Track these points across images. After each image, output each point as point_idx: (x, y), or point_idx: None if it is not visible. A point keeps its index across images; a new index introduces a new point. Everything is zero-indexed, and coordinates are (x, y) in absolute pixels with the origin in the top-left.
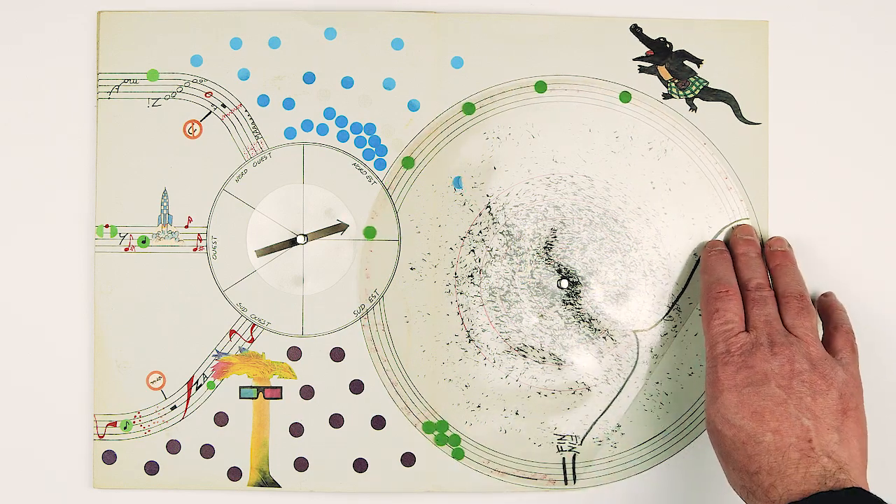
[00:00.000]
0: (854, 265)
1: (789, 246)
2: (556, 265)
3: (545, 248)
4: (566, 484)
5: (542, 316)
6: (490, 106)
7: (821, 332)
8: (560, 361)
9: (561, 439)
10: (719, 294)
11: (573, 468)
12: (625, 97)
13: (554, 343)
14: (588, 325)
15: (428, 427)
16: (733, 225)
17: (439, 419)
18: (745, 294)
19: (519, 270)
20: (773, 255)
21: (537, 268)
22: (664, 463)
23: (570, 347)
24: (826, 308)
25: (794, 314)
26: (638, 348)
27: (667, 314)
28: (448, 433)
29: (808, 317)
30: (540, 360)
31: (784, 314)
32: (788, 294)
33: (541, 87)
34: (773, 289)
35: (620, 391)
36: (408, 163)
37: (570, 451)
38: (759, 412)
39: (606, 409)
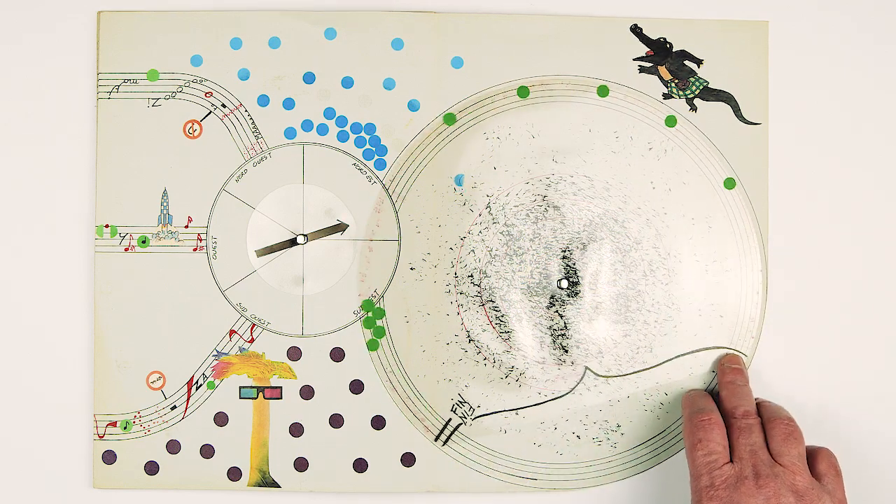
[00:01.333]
0: (853, 265)
1: None
2: (556, 265)
3: (546, 248)
4: (435, 441)
5: (541, 316)
6: (491, 106)
7: None
8: (510, 336)
9: (461, 403)
10: (702, 422)
11: (451, 433)
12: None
13: (554, 343)
14: (564, 327)
15: (367, 305)
16: (724, 352)
17: (379, 307)
18: (730, 422)
19: (519, 270)
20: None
21: (537, 267)
22: (664, 463)
23: (535, 338)
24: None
25: (781, 440)
26: (579, 382)
27: (623, 375)
28: (380, 322)
29: (794, 443)
30: (540, 361)
31: (770, 440)
32: (776, 419)
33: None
34: (759, 415)
35: (533, 406)
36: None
37: (460, 418)
38: None
39: (512, 409)
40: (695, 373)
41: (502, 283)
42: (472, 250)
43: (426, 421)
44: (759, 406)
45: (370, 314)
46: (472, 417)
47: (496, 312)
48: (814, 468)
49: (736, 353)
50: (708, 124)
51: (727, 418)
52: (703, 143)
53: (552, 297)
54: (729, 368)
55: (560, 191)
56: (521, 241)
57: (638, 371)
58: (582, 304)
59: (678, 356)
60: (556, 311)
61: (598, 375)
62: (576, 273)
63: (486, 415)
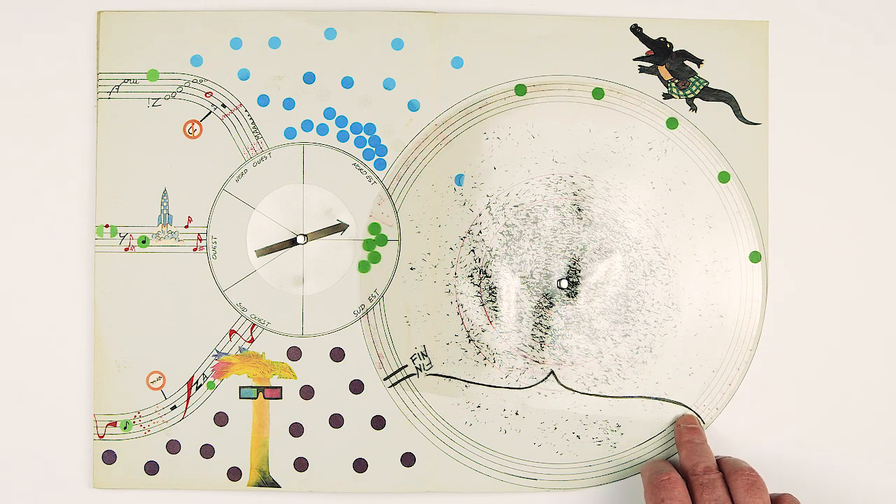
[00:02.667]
0: (853, 265)
1: None
2: (556, 265)
3: (546, 248)
4: (384, 381)
5: (541, 316)
6: (490, 105)
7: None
8: (509, 336)
9: (422, 356)
10: (662, 482)
11: (401, 380)
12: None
13: (554, 343)
14: (565, 327)
15: (374, 228)
16: (682, 410)
17: (381, 235)
18: (692, 479)
19: (519, 270)
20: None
21: (537, 267)
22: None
23: (536, 338)
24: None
25: (744, 491)
26: (538, 382)
27: (580, 392)
28: (378, 249)
29: (758, 493)
30: (540, 361)
31: (734, 492)
32: (737, 471)
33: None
34: (720, 469)
35: (481, 384)
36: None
37: (416, 367)
38: None
39: (465, 380)
40: (695, 373)
41: (502, 283)
42: (472, 250)
43: (382, 359)
44: (720, 461)
45: (375, 236)
46: (427, 372)
47: (496, 313)
48: None
49: (691, 413)
50: (708, 124)
51: (688, 476)
52: (703, 143)
53: (553, 297)
54: (686, 428)
55: (560, 191)
56: (521, 241)
57: (597, 395)
58: (582, 304)
59: (640, 397)
60: (557, 312)
61: (560, 384)
62: (576, 273)
63: (439, 375)
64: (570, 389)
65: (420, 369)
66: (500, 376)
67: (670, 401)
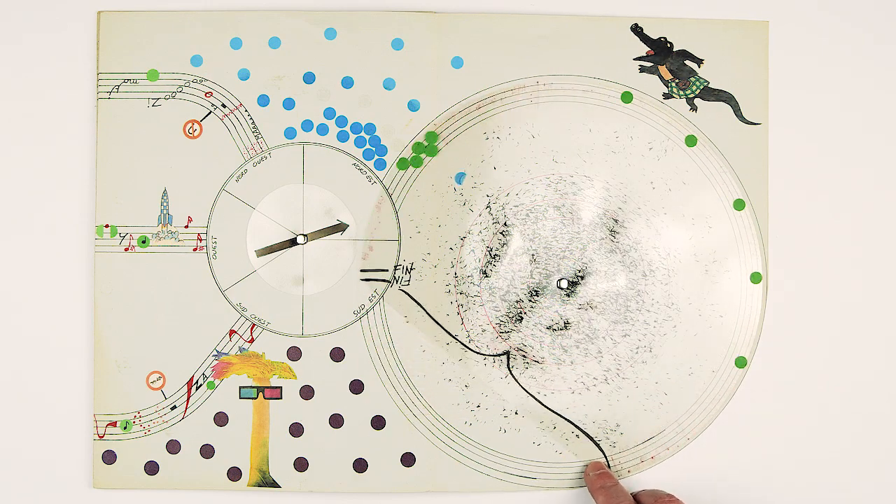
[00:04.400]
0: (853, 265)
1: None
2: (555, 265)
3: (546, 248)
4: (360, 272)
5: (541, 316)
6: (490, 105)
7: None
8: (509, 336)
9: (407, 270)
10: None
11: (373, 279)
12: (626, 97)
13: (553, 343)
14: (564, 327)
15: (431, 137)
16: (585, 463)
17: (434, 146)
18: None
19: (519, 270)
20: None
21: (537, 267)
22: (663, 463)
23: (535, 338)
24: None
25: None
26: (494, 354)
27: (534, 400)
28: (423, 156)
29: None
30: (539, 360)
31: None
32: (657, 499)
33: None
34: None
35: (460, 343)
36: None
37: (393, 277)
38: None
39: (443, 328)
40: (695, 373)
41: (502, 282)
42: (472, 250)
43: (373, 253)
44: (637, 497)
45: (427, 144)
46: (399, 287)
47: (496, 312)
48: None
49: (596, 459)
50: (708, 124)
51: None
52: (703, 143)
53: (552, 296)
54: (595, 476)
55: (560, 191)
56: (521, 241)
57: (534, 398)
58: (581, 303)
59: (567, 420)
60: (556, 311)
61: (511, 374)
62: (575, 273)
63: (409, 296)
64: (517, 382)
65: (397, 280)
66: (500, 375)
67: (587, 435)
